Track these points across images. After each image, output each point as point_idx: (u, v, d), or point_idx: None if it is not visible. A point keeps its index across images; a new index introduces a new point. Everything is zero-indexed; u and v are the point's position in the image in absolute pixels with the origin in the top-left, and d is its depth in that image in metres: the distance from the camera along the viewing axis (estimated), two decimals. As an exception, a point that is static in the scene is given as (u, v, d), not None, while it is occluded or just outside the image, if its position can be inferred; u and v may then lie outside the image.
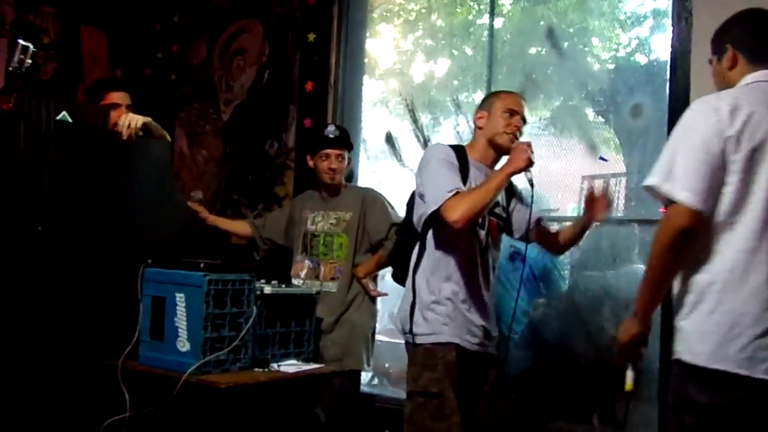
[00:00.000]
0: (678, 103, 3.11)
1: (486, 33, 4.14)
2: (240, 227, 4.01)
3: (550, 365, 3.72)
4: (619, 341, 2.29)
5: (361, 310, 3.62)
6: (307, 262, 3.73)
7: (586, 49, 4.21)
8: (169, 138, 3.66)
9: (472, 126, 3.08)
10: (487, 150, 2.98)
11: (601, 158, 3.77)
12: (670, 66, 3.30)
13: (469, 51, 4.64)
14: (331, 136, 3.68)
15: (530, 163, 2.78)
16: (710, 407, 2.02)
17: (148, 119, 3.33)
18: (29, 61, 2.84)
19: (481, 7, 4.47)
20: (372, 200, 3.70)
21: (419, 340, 2.83)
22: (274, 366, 2.98)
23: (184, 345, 2.82)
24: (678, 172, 2.04)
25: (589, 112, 4.07)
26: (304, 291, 3.31)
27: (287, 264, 3.80)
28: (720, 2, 3.00)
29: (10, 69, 2.84)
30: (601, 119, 4.05)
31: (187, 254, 3.03)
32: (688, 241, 2.04)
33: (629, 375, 2.33)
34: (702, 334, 2.05)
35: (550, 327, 3.81)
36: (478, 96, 4.29)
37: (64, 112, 3.00)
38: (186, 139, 4.95)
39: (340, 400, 3.50)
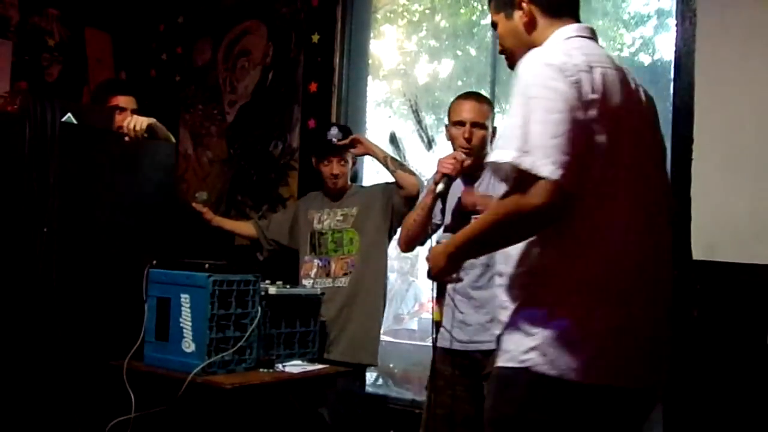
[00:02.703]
0: (682, 103, 3.11)
1: (490, 33, 4.13)
2: (244, 228, 4.02)
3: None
4: (431, 272, 2.07)
5: (372, 305, 3.62)
6: (316, 261, 3.73)
7: (590, 49, 4.21)
8: (173, 139, 3.67)
9: None
10: None
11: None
12: (674, 65, 3.29)
13: (473, 51, 4.65)
14: (334, 140, 3.68)
15: (443, 178, 2.74)
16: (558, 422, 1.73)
17: (152, 120, 3.34)
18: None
19: (485, 7, 4.47)
20: (375, 188, 3.72)
21: None
22: (279, 366, 2.98)
23: (189, 346, 2.82)
24: (535, 143, 1.65)
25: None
26: (309, 291, 3.31)
27: (292, 265, 3.80)
28: (723, 2, 3.01)
29: None
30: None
31: (191, 255, 3.03)
32: (546, 222, 1.70)
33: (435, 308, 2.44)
34: (571, 344, 1.71)
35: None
36: (482, 96, 4.29)
37: (69, 114, 3.01)
38: (191, 141, 4.96)
39: (345, 401, 3.50)
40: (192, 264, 2.90)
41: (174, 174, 3.85)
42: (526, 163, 1.65)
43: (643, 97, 1.90)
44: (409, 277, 5.68)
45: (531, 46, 1.86)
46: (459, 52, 4.79)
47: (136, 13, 5.18)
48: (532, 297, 1.77)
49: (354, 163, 3.83)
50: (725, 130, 2.96)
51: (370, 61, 4.51)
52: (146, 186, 3.24)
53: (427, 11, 4.84)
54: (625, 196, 1.75)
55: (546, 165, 1.63)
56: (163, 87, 5.07)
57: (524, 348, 1.73)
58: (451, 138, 3.01)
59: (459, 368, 2.90)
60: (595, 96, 1.71)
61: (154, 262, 3.00)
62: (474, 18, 4.66)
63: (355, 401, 3.61)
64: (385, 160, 3.56)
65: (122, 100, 3.58)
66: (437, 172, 2.78)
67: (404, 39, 4.91)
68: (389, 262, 3.77)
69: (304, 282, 3.67)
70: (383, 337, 3.81)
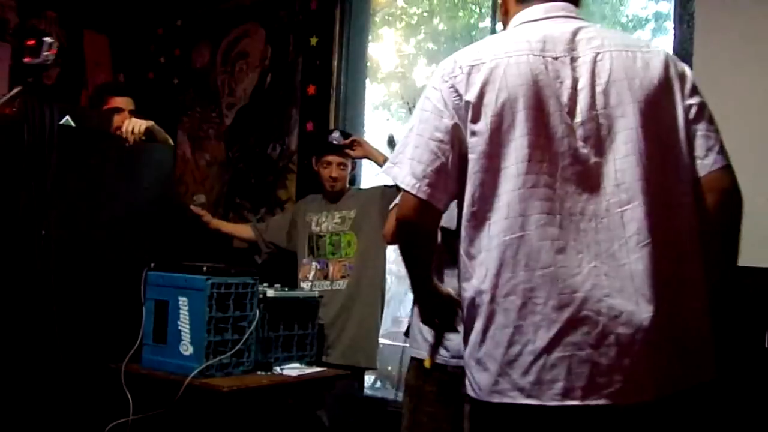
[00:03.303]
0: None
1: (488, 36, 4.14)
2: (242, 231, 4.02)
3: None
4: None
5: (370, 308, 3.62)
6: (314, 264, 3.73)
7: (588, 52, 4.22)
8: (172, 142, 3.67)
9: None
10: None
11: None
12: (672, 69, 3.29)
13: (471, 54, 4.65)
14: (335, 142, 3.69)
15: None
16: None
17: (151, 123, 3.34)
18: (52, 56, 2.83)
19: (483, 10, 4.49)
20: (373, 191, 3.72)
21: None
22: (277, 369, 2.98)
23: (187, 348, 2.82)
24: (406, 154, 1.65)
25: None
26: (307, 294, 3.31)
27: (290, 267, 3.80)
28: (721, 5, 3.02)
29: (33, 62, 2.82)
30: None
31: (189, 258, 3.03)
32: (418, 236, 1.69)
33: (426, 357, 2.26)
34: (479, 361, 1.60)
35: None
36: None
37: (67, 117, 3.00)
38: (189, 143, 4.96)
39: (343, 404, 3.50)
40: (190, 267, 2.90)
41: (172, 177, 3.85)
42: (392, 173, 1.68)
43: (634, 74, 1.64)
44: (407, 279, 5.66)
45: None
46: (457, 55, 4.79)
47: (134, 16, 5.18)
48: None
49: (353, 168, 3.84)
50: (722, 133, 2.95)
51: (368, 64, 4.52)
52: (144, 189, 3.24)
53: (426, 14, 4.85)
54: (513, 201, 1.57)
55: (407, 176, 1.63)
56: (161, 90, 5.08)
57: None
58: None
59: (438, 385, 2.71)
60: (470, 98, 1.61)
61: (152, 264, 2.99)
62: (472, 21, 4.67)
63: (354, 404, 3.61)
64: (384, 164, 3.55)
65: (120, 101, 3.58)
66: None
67: (402, 42, 4.92)
68: (387, 265, 3.77)
69: (302, 285, 3.67)
70: (382, 340, 3.82)
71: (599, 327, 1.51)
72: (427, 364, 2.15)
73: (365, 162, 4.40)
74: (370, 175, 4.42)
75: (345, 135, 3.77)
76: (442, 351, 2.60)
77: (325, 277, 3.67)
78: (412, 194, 1.62)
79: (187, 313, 2.82)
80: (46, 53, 2.79)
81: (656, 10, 3.99)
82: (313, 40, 4.41)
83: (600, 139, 1.59)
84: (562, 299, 1.52)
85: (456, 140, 1.62)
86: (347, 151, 3.66)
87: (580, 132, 1.59)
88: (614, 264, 1.54)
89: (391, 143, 4.36)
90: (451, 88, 1.63)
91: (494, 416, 1.59)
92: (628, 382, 1.50)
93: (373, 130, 4.56)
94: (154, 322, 2.91)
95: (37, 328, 2.84)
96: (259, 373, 2.92)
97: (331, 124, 4.29)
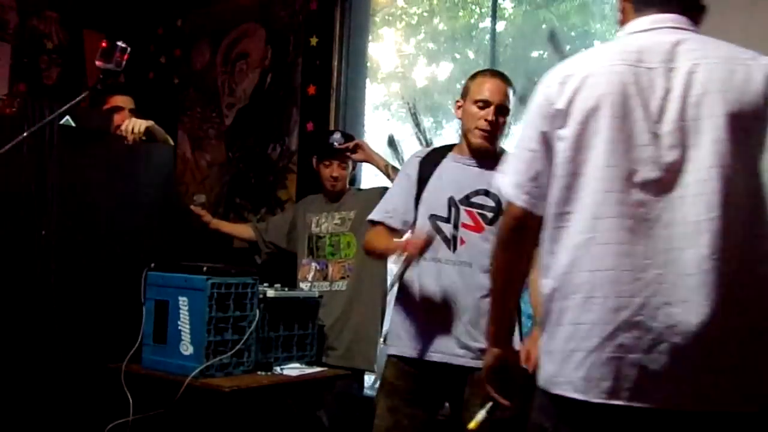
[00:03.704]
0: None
1: (488, 36, 4.14)
2: (243, 231, 4.02)
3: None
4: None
5: (370, 309, 3.61)
6: (314, 265, 3.73)
7: (588, 52, 4.21)
8: (172, 142, 3.67)
9: None
10: (464, 144, 2.76)
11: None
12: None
13: (471, 54, 4.65)
14: (336, 144, 3.68)
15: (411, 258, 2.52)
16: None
17: (151, 123, 3.34)
18: (124, 62, 2.82)
19: (483, 10, 4.48)
20: (374, 192, 3.70)
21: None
22: (277, 369, 2.98)
23: (187, 348, 2.82)
24: (510, 163, 1.77)
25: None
26: (307, 294, 3.31)
27: (290, 267, 3.80)
28: (719, 5, 3.01)
29: (104, 66, 2.79)
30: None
31: (189, 258, 3.03)
32: (520, 241, 1.78)
33: (480, 414, 2.02)
34: (547, 353, 1.70)
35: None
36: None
37: (67, 117, 3.01)
38: (189, 143, 4.96)
39: (343, 404, 3.50)
40: (190, 267, 2.90)
41: (172, 177, 3.85)
42: (498, 181, 1.80)
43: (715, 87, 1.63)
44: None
45: None
46: (457, 55, 4.79)
47: (134, 16, 5.17)
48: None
49: (354, 168, 3.84)
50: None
51: (368, 64, 4.52)
52: (144, 189, 3.24)
53: (426, 14, 4.84)
54: (588, 204, 1.63)
55: (508, 186, 1.75)
56: (161, 90, 5.08)
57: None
58: (465, 115, 2.71)
59: (417, 383, 2.72)
60: (560, 106, 1.67)
61: (152, 264, 3.00)
62: (473, 21, 4.66)
63: (353, 404, 3.61)
64: (385, 169, 3.56)
65: (120, 100, 3.59)
66: (405, 256, 2.52)
67: (402, 42, 4.91)
68: (388, 266, 3.76)
69: (302, 285, 3.66)
70: (382, 341, 3.81)
71: (653, 333, 1.54)
72: (473, 425, 2.03)
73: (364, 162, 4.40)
74: (370, 176, 4.42)
75: (346, 136, 3.76)
76: (420, 346, 2.62)
77: (325, 278, 3.67)
78: (512, 203, 1.74)
79: (187, 313, 2.83)
80: (118, 58, 2.77)
81: (656, 10, 3.99)
82: (313, 40, 4.41)
83: (685, 149, 1.60)
84: (620, 302, 1.56)
85: (547, 147, 1.69)
86: (348, 154, 3.66)
87: (665, 141, 1.60)
88: (681, 273, 1.55)
89: (392, 143, 4.37)
90: (545, 97, 1.71)
91: (551, 406, 1.66)
92: (675, 390, 1.54)
93: (374, 131, 4.56)
94: (154, 322, 2.92)
95: (37, 328, 2.84)
96: (259, 373, 2.93)
97: (331, 124, 4.29)
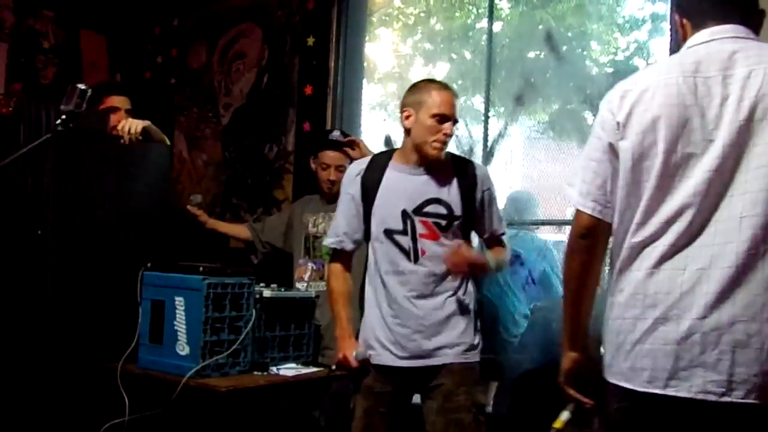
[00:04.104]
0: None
1: (485, 37, 4.15)
2: (239, 231, 4.02)
3: (549, 368, 3.72)
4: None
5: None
6: (310, 265, 3.73)
7: (585, 53, 4.23)
8: (168, 142, 3.66)
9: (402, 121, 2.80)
10: (411, 153, 2.75)
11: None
12: (668, 70, 3.30)
13: (467, 55, 4.66)
14: (336, 137, 3.69)
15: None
16: (620, 415, 1.82)
17: (147, 123, 3.34)
18: (84, 105, 2.81)
19: (480, 11, 4.49)
20: None
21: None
22: (274, 369, 2.98)
23: (183, 348, 2.82)
24: (577, 174, 1.88)
25: (588, 116, 4.08)
26: (303, 294, 3.31)
27: (286, 268, 3.80)
28: None
29: (65, 109, 2.78)
30: (599, 123, 4.05)
31: (186, 258, 3.03)
32: (589, 248, 1.87)
33: (564, 414, 2.09)
34: (607, 343, 1.85)
35: (549, 330, 3.82)
36: (477, 100, 4.30)
37: (63, 116, 3.00)
38: (185, 143, 4.95)
39: (339, 404, 3.49)
40: (186, 267, 2.90)
41: (169, 177, 3.84)
42: (567, 192, 1.91)
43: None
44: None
45: None
46: (454, 56, 4.80)
47: (131, 16, 5.17)
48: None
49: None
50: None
51: (365, 64, 4.52)
52: (141, 189, 3.24)
53: (422, 14, 4.85)
54: (641, 212, 1.76)
55: (575, 195, 1.87)
56: (158, 90, 5.07)
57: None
58: (419, 128, 2.70)
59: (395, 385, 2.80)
60: (620, 119, 1.77)
61: (149, 264, 2.99)
62: (469, 21, 4.67)
63: (350, 404, 3.61)
64: None
65: (116, 100, 3.58)
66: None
67: (399, 42, 4.92)
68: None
69: (298, 285, 3.67)
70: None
71: (685, 326, 1.67)
72: (559, 425, 2.10)
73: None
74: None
75: (345, 135, 3.77)
76: (394, 353, 2.69)
77: (321, 278, 3.66)
78: (581, 211, 1.86)
79: (183, 313, 2.83)
80: (78, 100, 2.77)
81: (653, 11, 3.99)
82: (310, 41, 4.41)
83: (739, 150, 1.68)
84: (657, 298, 1.70)
85: (611, 158, 1.81)
86: (346, 149, 3.65)
87: (719, 143, 1.68)
88: (720, 266, 1.65)
89: (388, 144, 4.37)
90: (608, 111, 1.81)
91: (609, 393, 1.82)
92: (708, 379, 1.65)
93: (370, 131, 4.56)
94: (151, 322, 2.91)
95: (33, 327, 2.84)
96: (255, 373, 2.93)
97: (328, 124, 4.29)
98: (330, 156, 3.68)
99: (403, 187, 2.73)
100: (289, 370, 3.01)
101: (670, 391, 1.68)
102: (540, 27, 4.10)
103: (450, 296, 2.70)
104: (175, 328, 2.84)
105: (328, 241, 2.88)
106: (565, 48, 4.01)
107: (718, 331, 1.64)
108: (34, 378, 2.83)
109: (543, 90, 4.04)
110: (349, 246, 2.83)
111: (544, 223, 4.07)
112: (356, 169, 2.85)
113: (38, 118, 2.87)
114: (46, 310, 2.87)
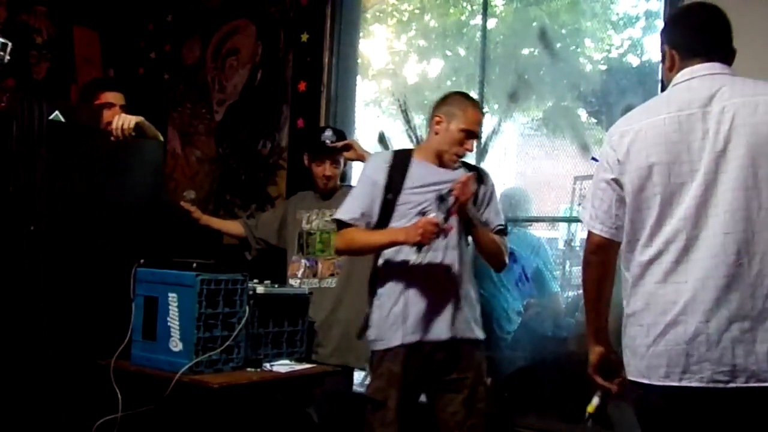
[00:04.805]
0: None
1: (479, 34, 4.14)
2: (233, 227, 4.01)
3: (542, 365, 3.73)
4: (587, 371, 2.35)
5: (360, 308, 3.60)
6: (303, 261, 3.73)
7: (579, 50, 4.23)
8: (161, 138, 3.66)
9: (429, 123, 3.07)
10: (432, 154, 3.00)
11: (594, 159, 3.78)
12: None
13: (462, 51, 4.66)
14: (328, 142, 3.68)
15: (419, 244, 2.73)
16: (645, 410, 2.10)
17: (140, 119, 3.33)
18: (8, 57, 2.81)
19: (474, 7, 4.49)
20: None
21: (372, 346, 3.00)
22: (267, 366, 2.98)
23: (176, 345, 2.82)
24: (588, 200, 2.21)
25: (582, 113, 4.09)
26: (297, 291, 3.31)
27: (280, 264, 3.80)
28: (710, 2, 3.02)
29: None
30: (593, 120, 4.07)
31: (179, 254, 3.03)
32: (600, 263, 2.19)
33: (595, 400, 2.36)
34: (624, 348, 2.13)
35: (542, 327, 3.83)
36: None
37: (56, 112, 2.99)
38: (179, 139, 4.95)
39: (333, 400, 3.50)
40: (180, 263, 2.90)
41: (162, 173, 3.84)
42: (580, 213, 2.26)
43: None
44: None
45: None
46: (448, 52, 4.80)
47: (124, 12, 5.16)
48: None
49: (344, 165, 3.83)
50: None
51: (359, 61, 4.52)
52: (134, 185, 3.23)
53: (417, 11, 4.85)
54: (647, 236, 2.04)
55: (587, 218, 2.17)
56: (151, 85, 5.06)
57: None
58: (446, 136, 2.95)
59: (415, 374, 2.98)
60: (620, 157, 2.07)
61: (142, 260, 2.99)
62: (463, 18, 4.67)
63: (343, 401, 3.61)
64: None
65: (110, 96, 3.57)
66: (417, 239, 2.72)
67: (393, 39, 4.92)
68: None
69: (291, 282, 3.66)
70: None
71: (692, 329, 1.95)
72: (591, 409, 2.36)
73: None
74: (359, 172, 4.42)
75: (337, 132, 3.76)
76: (425, 329, 2.88)
77: (314, 275, 3.67)
78: (591, 231, 2.17)
79: (176, 309, 2.82)
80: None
81: (647, 8, 4.00)
82: (304, 37, 4.41)
83: (716, 177, 1.96)
84: (666, 307, 1.99)
85: (615, 188, 2.10)
86: (345, 154, 3.65)
87: (701, 172, 1.97)
88: (713, 277, 1.95)
89: (382, 140, 4.37)
90: (610, 148, 2.11)
91: (630, 388, 2.12)
92: (715, 371, 1.93)
93: (364, 127, 4.56)
94: (144, 318, 2.91)
95: (25, 324, 2.83)
96: (248, 369, 2.93)
97: (322, 120, 4.29)
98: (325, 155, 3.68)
99: (431, 179, 2.93)
100: (283, 366, 3.01)
101: (684, 383, 1.96)
102: (534, 24, 4.10)
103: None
104: (168, 324, 2.84)
105: (345, 216, 2.97)
106: (559, 45, 4.01)
107: (719, 331, 1.93)
108: (26, 374, 2.83)
109: (537, 87, 4.04)
110: (362, 225, 2.96)
111: (537, 219, 4.09)
112: (384, 158, 3.07)
113: (31, 114, 2.86)
114: (38, 306, 2.86)
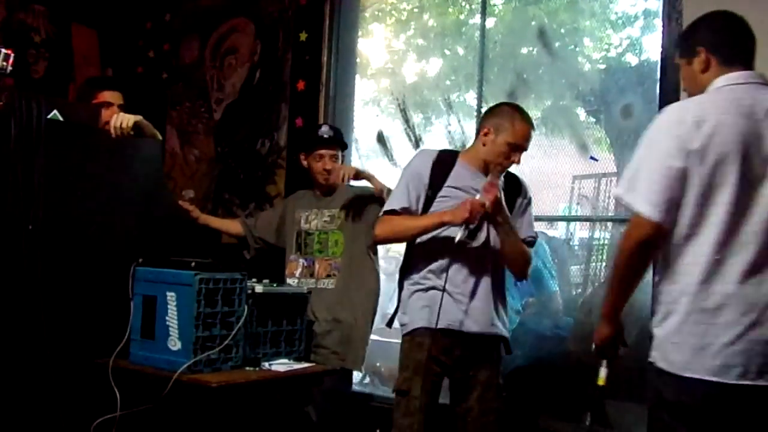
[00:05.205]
0: (668, 104, 3.12)
1: (477, 33, 4.15)
2: (231, 226, 4.01)
3: (541, 364, 3.73)
4: (594, 343, 2.40)
5: (359, 310, 3.60)
6: (301, 261, 3.72)
7: (577, 49, 4.23)
8: (160, 137, 3.65)
9: (476, 130, 3.10)
10: (479, 161, 3.02)
11: (592, 158, 3.80)
12: (661, 66, 3.31)
13: (460, 51, 4.66)
14: (325, 136, 3.68)
15: (466, 223, 2.77)
16: (679, 405, 2.10)
17: (139, 118, 3.33)
18: (10, 68, 2.82)
19: (473, 6, 4.49)
20: (366, 191, 3.68)
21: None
22: (266, 365, 2.98)
23: (175, 344, 2.81)
24: (640, 185, 2.10)
25: (580, 112, 4.09)
26: (296, 290, 3.30)
27: (279, 263, 3.80)
28: (710, 3, 3.02)
29: None
30: (592, 119, 4.07)
31: (178, 253, 3.02)
32: (650, 250, 2.13)
33: (602, 371, 2.44)
34: (676, 344, 2.10)
35: (541, 326, 3.83)
36: (470, 95, 4.31)
37: (54, 111, 2.99)
38: (177, 138, 4.95)
39: (331, 399, 3.50)
40: (178, 262, 2.89)
41: (161, 172, 3.83)
42: (628, 198, 2.12)
43: None
44: (396, 275, 5.67)
45: (701, 90, 2.19)
46: (447, 51, 4.80)
47: (123, 10, 5.16)
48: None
49: (343, 162, 3.83)
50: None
51: (357, 60, 4.52)
52: (132, 184, 3.22)
53: (416, 10, 4.85)
54: (717, 232, 2.04)
55: (643, 204, 2.07)
56: (150, 84, 5.06)
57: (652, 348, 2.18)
58: (494, 148, 2.96)
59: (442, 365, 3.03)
60: (696, 147, 2.03)
61: (141, 260, 2.98)
62: (462, 17, 4.67)
63: (342, 400, 3.61)
64: (381, 192, 3.51)
65: (109, 95, 3.56)
66: (464, 217, 2.76)
67: (392, 38, 4.92)
68: (379, 264, 3.75)
69: (289, 281, 3.66)
70: (371, 336, 3.81)
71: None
72: (601, 381, 2.45)
73: (354, 158, 4.40)
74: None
75: (334, 129, 3.76)
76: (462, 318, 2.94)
77: (311, 275, 3.66)
78: (646, 218, 2.07)
79: (175, 308, 2.82)
80: (3, 63, 2.79)
81: (645, 7, 4.00)
82: (303, 36, 4.41)
83: None
84: (747, 308, 2.02)
85: (683, 177, 2.05)
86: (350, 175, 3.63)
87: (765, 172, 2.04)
88: None
89: (381, 139, 4.38)
90: (678, 136, 2.05)
91: (683, 386, 2.07)
92: None
93: (363, 127, 4.56)
94: (142, 317, 2.90)
95: (24, 323, 2.83)
96: (247, 368, 2.92)
97: (321, 119, 4.29)
98: (324, 149, 3.67)
99: (473, 183, 2.94)
100: (281, 365, 3.01)
101: (760, 382, 2.01)
102: (533, 23, 4.11)
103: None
104: (167, 323, 2.83)
105: (396, 206, 2.99)
106: (557, 44, 4.02)
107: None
108: (25, 373, 2.82)
109: (535, 86, 4.05)
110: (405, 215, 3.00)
111: (536, 219, 4.08)
112: (431, 154, 3.08)
113: (29, 113, 2.85)
114: (37, 305, 2.86)
